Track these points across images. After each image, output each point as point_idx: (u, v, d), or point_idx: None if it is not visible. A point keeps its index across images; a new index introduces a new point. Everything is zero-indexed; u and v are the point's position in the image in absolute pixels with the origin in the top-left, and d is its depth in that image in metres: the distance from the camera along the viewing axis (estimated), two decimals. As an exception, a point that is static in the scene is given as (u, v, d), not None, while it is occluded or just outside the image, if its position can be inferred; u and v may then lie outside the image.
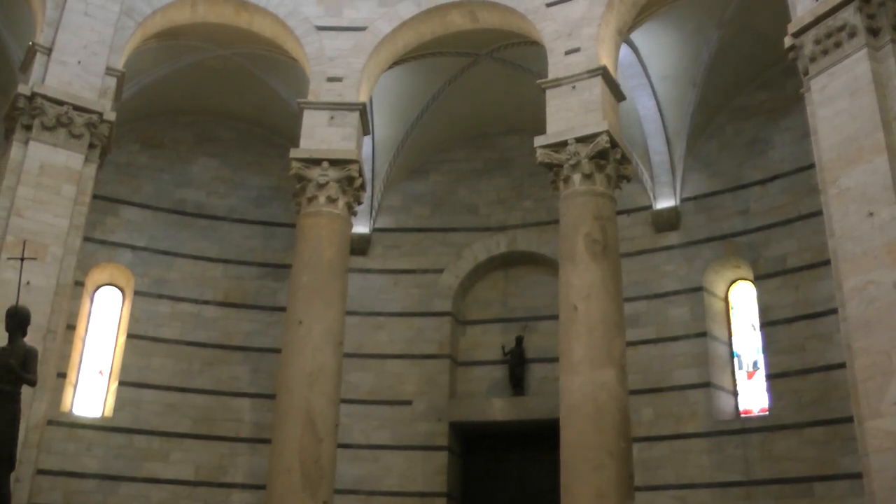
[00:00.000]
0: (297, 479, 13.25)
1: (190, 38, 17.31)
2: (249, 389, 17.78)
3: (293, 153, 15.51)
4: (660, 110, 17.58)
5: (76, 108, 13.89)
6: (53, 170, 13.46)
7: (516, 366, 18.20)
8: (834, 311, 11.15)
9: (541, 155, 14.34)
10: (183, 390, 17.46)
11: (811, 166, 11.34)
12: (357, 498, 17.00)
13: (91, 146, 14.03)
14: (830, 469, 14.24)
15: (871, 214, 9.61)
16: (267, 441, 15.07)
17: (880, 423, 8.91)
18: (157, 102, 18.67)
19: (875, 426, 8.99)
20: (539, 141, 14.44)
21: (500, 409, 18.07)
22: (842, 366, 10.94)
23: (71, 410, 16.89)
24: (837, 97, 10.53)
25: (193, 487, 16.89)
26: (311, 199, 15.25)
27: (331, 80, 16.08)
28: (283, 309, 16.25)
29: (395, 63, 17.31)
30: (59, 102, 13.77)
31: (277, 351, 15.79)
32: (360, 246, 18.68)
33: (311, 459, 13.46)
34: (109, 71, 14.75)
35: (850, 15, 10.74)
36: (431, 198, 19.80)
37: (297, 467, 13.35)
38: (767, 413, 15.91)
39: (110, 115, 14.31)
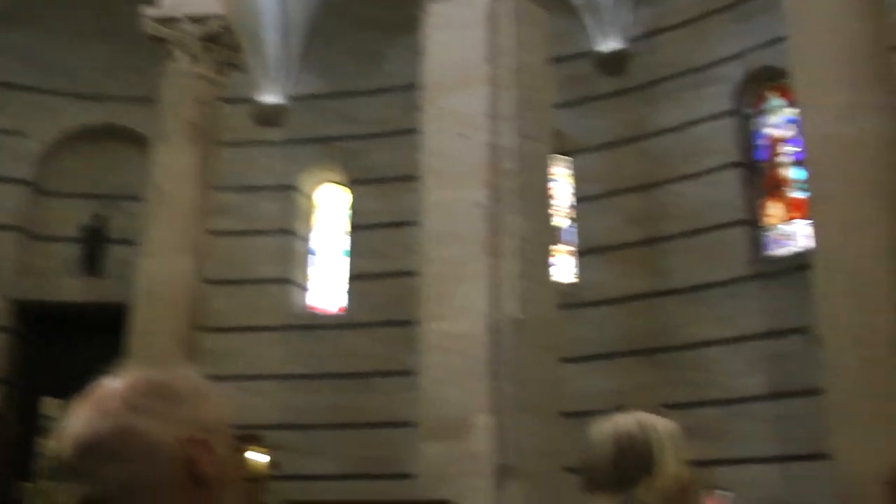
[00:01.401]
0: None
1: None
2: None
3: None
4: (283, 5, 17.36)
5: None
6: None
7: (95, 245, 17.25)
8: (418, 223, 11.90)
9: (150, 27, 13.54)
10: None
11: (418, 85, 11.92)
12: None
13: None
14: (392, 366, 15.39)
15: (465, 136, 10.34)
16: None
17: (443, 326, 9.78)
18: None
19: (438, 327, 9.84)
20: (149, 12, 13.60)
21: (73, 289, 16.99)
22: (417, 273, 11.78)
23: None
24: (453, 25, 11.06)
25: None
26: None
27: None
28: None
29: None
30: None
31: None
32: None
33: None
34: None
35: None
36: (24, 52, 17.69)
37: None
38: (343, 312, 16.78)
39: None
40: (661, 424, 1.98)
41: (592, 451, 1.96)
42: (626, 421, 1.99)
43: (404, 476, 10.64)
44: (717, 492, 8.39)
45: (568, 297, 13.38)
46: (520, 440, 8.98)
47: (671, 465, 1.91)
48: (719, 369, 14.34)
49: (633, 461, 1.91)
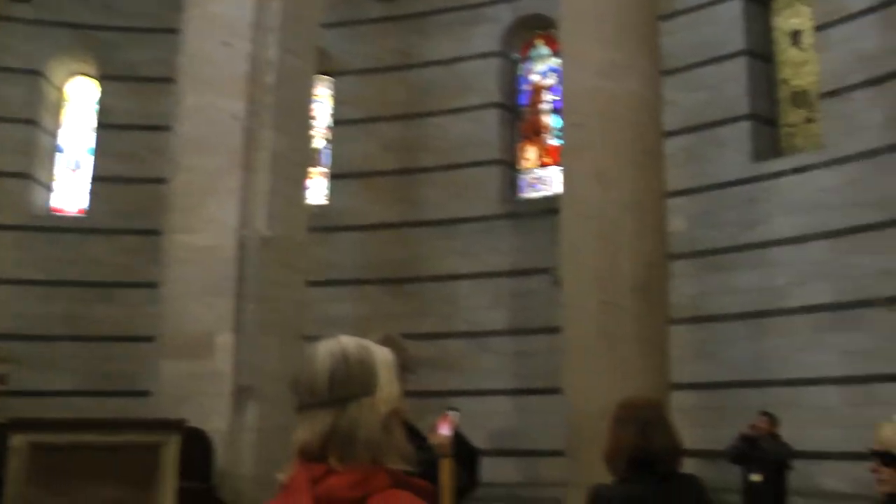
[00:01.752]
0: None
1: None
2: None
3: None
4: None
5: None
6: None
7: None
8: (172, 128, 11.31)
9: None
10: None
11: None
12: None
13: None
14: (134, 277, 14.72)
15: (227, 44, 9.86)
16: None
17: (190, 238, 9.37)
18: None
19: (184, 239, 9.43)
20: None
21: None
22: (167, 181, 11.22)
23: None
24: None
25: None
26: None
27: None
28: None
29: None
30: None
31: None
32: None
33: None
34: None
35: None
36: None
37: None
38: (85, 215, 15.81)
39: None
40: (378, 350, 1.96)
41: (309, 370, 1.92)
42: (345, 342, 1.95)
43: (143, 393, 10.21)
44: (450, 412, 8.72)
45: (318, 220, 13.26)
46: (261, 361, 8.84)
47: (385, 388, 1.89)
48: (464, 303, 14.81)
49: (348, 381, 1.89)
